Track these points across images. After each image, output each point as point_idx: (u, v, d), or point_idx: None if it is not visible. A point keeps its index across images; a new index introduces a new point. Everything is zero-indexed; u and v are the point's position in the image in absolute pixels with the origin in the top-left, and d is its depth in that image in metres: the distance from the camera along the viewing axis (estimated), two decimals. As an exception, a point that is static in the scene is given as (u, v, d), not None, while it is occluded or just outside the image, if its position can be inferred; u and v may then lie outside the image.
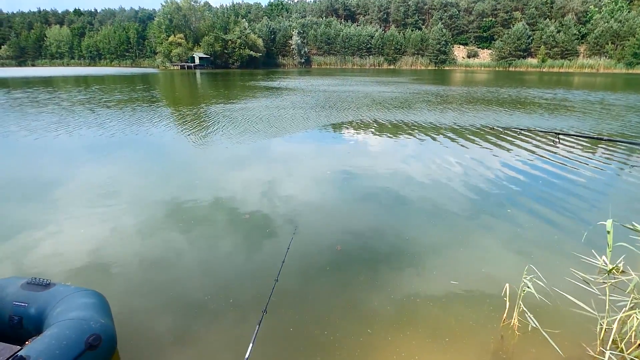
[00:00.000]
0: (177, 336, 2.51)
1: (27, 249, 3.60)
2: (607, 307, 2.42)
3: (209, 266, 3.33)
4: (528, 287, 2.56)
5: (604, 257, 2.63)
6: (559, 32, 57.96)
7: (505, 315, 2.65)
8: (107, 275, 3.17)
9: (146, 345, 2.43)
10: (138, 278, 3.14)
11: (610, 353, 2.17)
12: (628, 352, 2.26)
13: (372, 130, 9.49)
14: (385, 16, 72.02)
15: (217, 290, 2.98)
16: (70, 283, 2.45)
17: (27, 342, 1.97)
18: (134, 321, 2.59)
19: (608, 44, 53.76)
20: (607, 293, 2.45)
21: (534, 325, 2.43)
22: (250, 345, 1.82)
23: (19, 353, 1.82)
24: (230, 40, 57.59)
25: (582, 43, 57.58)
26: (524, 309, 2.57)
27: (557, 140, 7.67)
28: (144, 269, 3.28)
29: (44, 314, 2.16)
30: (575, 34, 57.05)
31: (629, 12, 54.77)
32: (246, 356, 1.36)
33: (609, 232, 2.39)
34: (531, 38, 59.61)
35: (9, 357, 1.83)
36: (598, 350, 2.32)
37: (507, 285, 2.67)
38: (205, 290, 2.99)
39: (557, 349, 2.28)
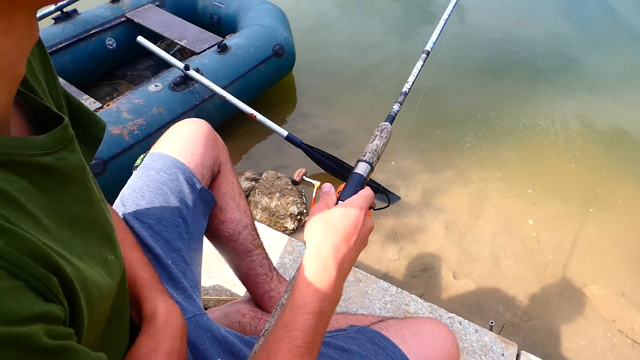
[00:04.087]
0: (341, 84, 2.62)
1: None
2: None
3: (356, 32, 3.17)
4: None
5: None
6: None
7: None
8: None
9: (309, 70, 2.60)
10: (303, 18, 3.18)
11: None
12: None
13: None
14: None
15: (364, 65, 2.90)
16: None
17: (226, 36, 2.21)
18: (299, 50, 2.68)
19: None
20: None
21: None
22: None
23: (224, 42, 2.07)
24: None
25: None
26: None
27: None
28: (308, 15, 3.27)
29: (238, 17, 2.34)
30: None
31: None
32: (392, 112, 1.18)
33: None
34: None
35: (216, 44, 2.10)
36: None
37: None
38: (351, 56, 2.93)
39: None
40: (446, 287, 1.68)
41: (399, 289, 1.27)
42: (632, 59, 2.90)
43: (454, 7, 1.27)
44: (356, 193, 0.60)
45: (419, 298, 1.26)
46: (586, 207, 1.94)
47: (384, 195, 1.92)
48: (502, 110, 2.41)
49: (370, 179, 2.02)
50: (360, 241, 0.56)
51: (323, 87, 2.54)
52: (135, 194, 0.75)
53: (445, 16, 1.25)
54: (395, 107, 0.86)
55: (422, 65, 1.04)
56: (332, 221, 0.55)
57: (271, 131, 1.92)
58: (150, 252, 0.72)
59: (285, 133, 1.88)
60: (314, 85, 2.55)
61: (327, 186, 0.62)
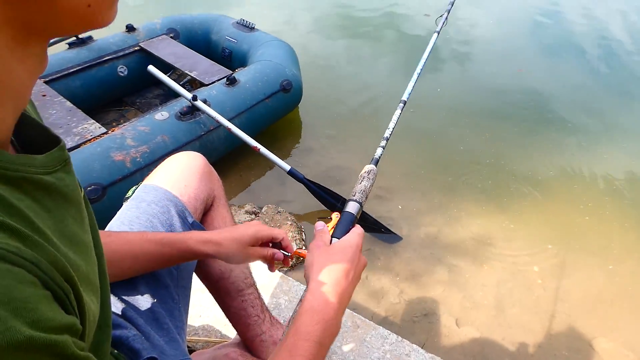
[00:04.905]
0: (339, 111, 2.64)
1: (228, 5, 3.92)
2: None
3: (361, 71, 3.24)
4: None
5: None
6: None
7: None
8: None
9: (316, 106, 2.63)
10: (313, 57, 3.25)
11: None
12: None
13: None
14: None
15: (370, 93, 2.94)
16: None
17: (236, 70, 2.24)
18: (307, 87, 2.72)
19: None
20: None
21: None
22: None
23: (233, 75, 2.10)
24: None
25: None
26: None
27: None
28: (318, 54, 3.36)
29: (249, 52, 2.39)
30: None
31: None
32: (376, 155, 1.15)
33: None
34: None
35: (225, 76, 2.13)
36: None
37: None
38: (358, 89, 2.97)
39: None
40: (449, 334, 1.60)
41: (399, 337, 1.20)
42: None
43: (425, 62, 1.39)
44: (349, 231, 0.66)
45: (420, 348, 1.19)
46: (595, 258, 1.88)
47: (386, 234, 1.88)
48: (511, 157, 2.38)
49: (372, 217, 1.98)
50: (356, 276, 0.61)
51: (328, 124, 2.55)
52: (124, 226, 0.72)
53: (418, 70, 1.37)
54: (379, 150, 0.99)
55: (400, 114, 1.18)
56: (332, 257, 0.60)
57: (274, 165, 1.91)
58: (135, 289, 0.68)
59: (287, 167, 1.86)
60: (319, 121, 2.57)
61: (321, 224, 0.67)
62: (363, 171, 0.81)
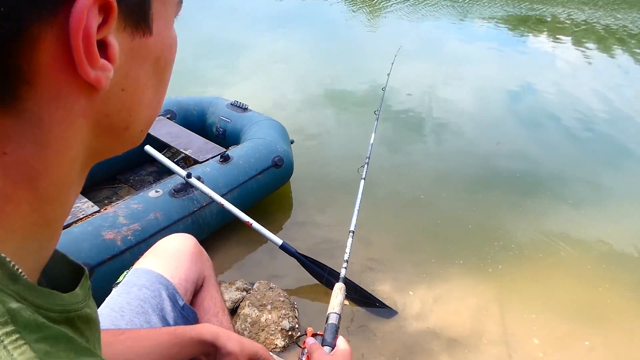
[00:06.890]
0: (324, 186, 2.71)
1: (223, 88, 4.17)
2: None
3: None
4: None
5: None
6: None
7: None
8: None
9: (306, 180, 2.70)
10: (303, 133, 3.41)
11: None
12: None
13: (572, 39, 7.78)
14: None
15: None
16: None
17: (230, 148, 2.33)
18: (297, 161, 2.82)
19: None
20: None
21: None
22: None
23: (226, 152, 2.18)
24: None
25: None
26: None
27: None
28: (307, 130, 3.53)
29: (242, 131, 2.51)
30: None
31: None
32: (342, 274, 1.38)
33: None
34: None
35: (219, 154, 2.21)
36: None
37: None
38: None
39: None
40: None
41: None
42: (621, 175, 3.04)
43: (358, 208, 1.66)
44: (335, 338, 0.84)
45: None
46: (591, 326, 1.84)
47: (381, 309, 1.83)
48: (498, 227, 2.42)
49: (366, 291, 2.01)
50: None
51: (318, 197, 2.60)
52: (115, 313, 0.71)
53: (357, 208, 1.66)
54: (343, 271, 1.35)
55: (352, 242, 1.49)
56: None
57: (266, 239, 1.91)
58: None
59: (279, 242, 1.86)
60: (309, 194, 2.62)
61: (312, 339, 0.83)
62: (335, 288, 1.01)
